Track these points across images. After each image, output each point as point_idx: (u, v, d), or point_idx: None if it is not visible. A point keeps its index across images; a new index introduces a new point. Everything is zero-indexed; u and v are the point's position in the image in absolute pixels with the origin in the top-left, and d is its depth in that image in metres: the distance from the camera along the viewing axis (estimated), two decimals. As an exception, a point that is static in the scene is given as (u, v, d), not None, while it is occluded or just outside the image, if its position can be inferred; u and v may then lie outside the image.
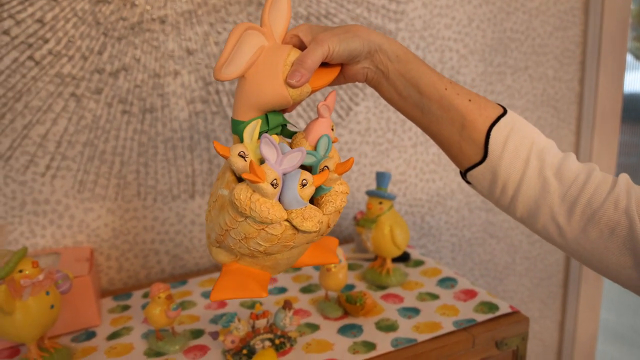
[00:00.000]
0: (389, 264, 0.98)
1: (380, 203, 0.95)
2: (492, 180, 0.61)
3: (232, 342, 0.74)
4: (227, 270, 0.61)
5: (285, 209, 0.54)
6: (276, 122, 0.60)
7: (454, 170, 1.38)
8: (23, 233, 0.97)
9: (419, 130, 1.30)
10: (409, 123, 1.28)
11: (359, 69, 0.62)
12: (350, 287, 0.97)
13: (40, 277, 0.74)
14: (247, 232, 0.54)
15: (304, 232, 0.54)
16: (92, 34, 0.95)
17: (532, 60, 1.42)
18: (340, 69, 0.62)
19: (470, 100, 0.61)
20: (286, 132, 0.63)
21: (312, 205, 0.55)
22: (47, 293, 0.74)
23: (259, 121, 0.57)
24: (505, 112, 0.61)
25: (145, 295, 0.99)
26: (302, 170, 0.54)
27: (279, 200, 0.54)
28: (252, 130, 0.56)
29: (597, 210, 0.56)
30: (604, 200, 0.56)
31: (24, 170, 0.95)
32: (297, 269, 1.07)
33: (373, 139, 1.25)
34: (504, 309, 0.87)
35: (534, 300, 1.63)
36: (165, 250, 1.09)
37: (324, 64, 0.60)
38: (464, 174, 0.65)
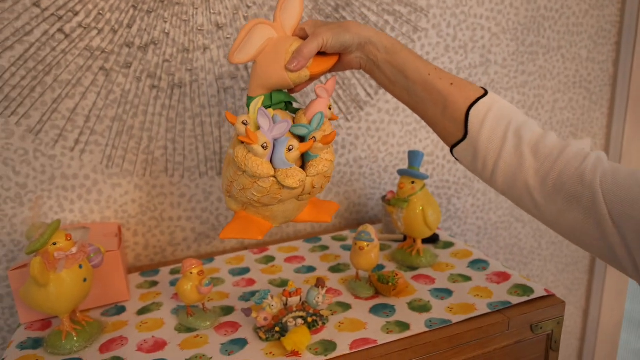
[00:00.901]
0: (420, 244, 0.97)
1: (413, 182, 0.93)
2: (473, 155, 0.67)
3: (265, 319, 0.73)
4: (237, 217, 0.76)
5: (275, 168, 0.67)
6: (278, 99, 0.73)
7: (482, 152, 1.35)
8: (52, 207, 0.97)
9: (447, 111, 1.28)
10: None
11: (352, 58, 0.73)
12: (379, 267, 0.95)
13: (74, 250, 0.73)
14: (244, 184, 0.68)
15: (287, 187, 0.67)
16: (122, 6, 0.93)
17: (566, 40, 1.38)
18: (337, 59, 0.73)
19: (452, 84, 0.68)
20: (291, 109, 0.76)
21: (296, 167, 0.68)
22: (80, 266, 0.74)
23: (262, 97, 0.70)
24: (485, 93, 0.67)
25: (173, 272, 0.99)
26: (290, 137, 0.67)
27: (271, 160, 0.67)
28: (255, 104, 0.69)
29: (565, 184, 0.62)
30: (572, 175, 0.61)
31: (54, 144, 0.94)
32: (324, 247, 1.06)
33: (402, 119, 1.22)
34: (539, 292, 0.85)
35: (558, 286, 1.61)
36: (191, 228, 1.09)
37: (323, 54, 0.72)
38: (451, 151, 0.73)
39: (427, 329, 0.76)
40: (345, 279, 0.92)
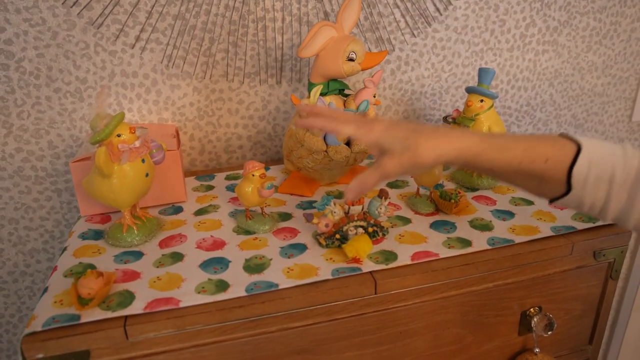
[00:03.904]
0: (481, 166, 0.93)
1: (482, 101, 0.89)
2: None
3: (326, 225, 0.73)
4: (292, 176, 0.95)
5: (326, 145, 0.84)
6: (334, 87, 0.88)
7: (548, 80, 1.29)
8: (111, 105, 0.97)
9: (517, 33, 1.20)
10: (509, 24, 1.18)
11: None
12: (439, 186, 0.93)
13: (137, 143, 0.73)
14: (301, 154, 0.87)
15: (335, 161, 0.85)
16: None
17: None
18: (386, 53, 0.90)
19: (546, 161, 0.61)
20: (344, 94, 0.91)
21: (343, 145, 0.84)
22: (143, 161, 0.74)
23: (321, 86, 0.85)
24: (579, 148, 0.61)
25: (229, 178, 0.99)
26: None
27: (324, 138, 0.84)
28: (315, 91, 0.84)
29: None
30: None
31: (114, 39, 0.93)
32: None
33: (469, 38, 1.16)
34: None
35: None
36: (248, 136, 1.08)
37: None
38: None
39: (489, 247, 0.74)
40: (404, 195, 0.90)
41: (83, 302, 0.59)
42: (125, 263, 0.71)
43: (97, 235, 0.79)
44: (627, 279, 1.71)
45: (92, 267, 0.69)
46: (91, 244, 0.76)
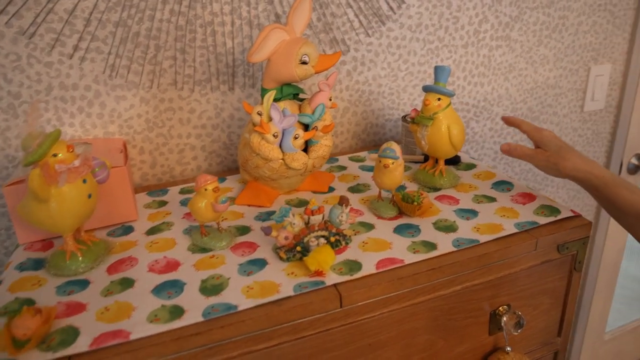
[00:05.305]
0: (442, 165, 0.92)
1: (439, 99, 0.87)
2: None
3: (286, 238, 0.69)
4: (249, 186, 0.91)
5: (283, 152, 0.82)
6: (288, 91, 0.85)
7: (503, 75, 1.29)
8: (50, 120, 0.91)
9: (471, 30, 1.20)
10: (462, 21, 1.18)
11: None
12: (401, 188, 0.91)
13: (76, 162, 0.67)
14: (257, 163, 0.83)
15: (293, 169, 0.83)
16: None
17: (599, -48, 1.28)
18: (340, 55, 0.85)
19: None
20: (298, 99, 0.88)
21: (301, 152, 0.83)
22: (84, 181, 0.68)
23: (274, 91, 0.81)
24: None
25: (183, 192, 0.94)
26: (297, 128, 0.82)
27: (280, 145, 0.82)
28: (268, 96, 0.80)
29: None
30: None
31: (50, 50, 0.87)
32: (342, 168, 1.01)
33: (424, 36, 1.14)
34: (566, 212, 0.81)
35: (568, 214, 1.59)
36: (201, 146, 1.03)
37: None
38: None
39: (454, 249, 0.72)
40: (366, 199, 0.88)
41: (18, 344, 0.53)
42: (69, 294, 0.65)
43: (37, 264, 0.72)
44: (586, 268, 1.74)
45: (30, 302, 0.63)
46: (30, 275, 0.70)
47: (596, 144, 1.54)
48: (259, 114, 0.80)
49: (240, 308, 0.61)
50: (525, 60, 1.30)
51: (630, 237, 1.74)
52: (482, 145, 1.33)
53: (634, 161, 1.60)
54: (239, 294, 0.63)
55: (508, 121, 0.92)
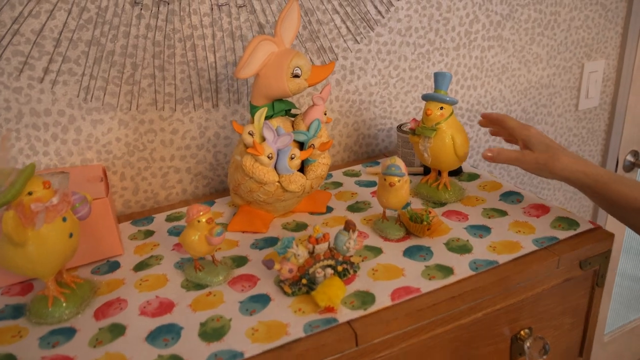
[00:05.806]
0: (446, 177, 0.87)
1: (441, 108, 0.82)
2: None
3: (290, 271, 0.63)
4: (241, 210, 0.84)
5: (278, 174, 0.76)
6: (280, 108, 0.78)
7: (496, 77, 1.24)
8: (22, 150, 0.83)
9: (462, 31, 1.15)
10: (453, 22, 1.13)
11: None
12: (406, 205, 0.85)
13: (54, 200, 0.60)
14: (251, 187, 0.77)
15: (290, 192, 0.77)
16: None
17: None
18: (333, 66, 0.80)
19: None
20: (290, 114, 0.82)
21: (298, 173, 0.77)
22: (64, 219, 0.61)
23: (266, 108, 0.75)
24: None
25: (170, 219, 0.87)
26: (292, 147, 0.75)
27: (275, 167, 0.75)
28: (260, 114, 0.74)
29: None
30: None
31: (18, 74, 0.79)
32: (338, 184, 0.95)
33: (414, 40, 1.09)
34: (585, 225, 0.76)
35: (565, 215, 1.56)
36: (186, 168, 0.96)
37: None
38: None
39: (472, 272, 0.67)
40: (369, 219, 0.82)
41: None
42: (53, 347, 0.58)
43: (17, 312, 0.65)
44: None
45: (10, 358, 0.56)
46: (9, 325, 0.63)
47: (591, 142, 1.51)
48: (251, 133, 0.73)
49: (246, 355, 0.55)
50: (518, 60, 1.26)
51: (627, 236, 1.73)
52: (477, 150, 1.28)
53: (630, 158, 1.57)
54: (243, 338, 0.57)
55: (489, 118, 0.86)
